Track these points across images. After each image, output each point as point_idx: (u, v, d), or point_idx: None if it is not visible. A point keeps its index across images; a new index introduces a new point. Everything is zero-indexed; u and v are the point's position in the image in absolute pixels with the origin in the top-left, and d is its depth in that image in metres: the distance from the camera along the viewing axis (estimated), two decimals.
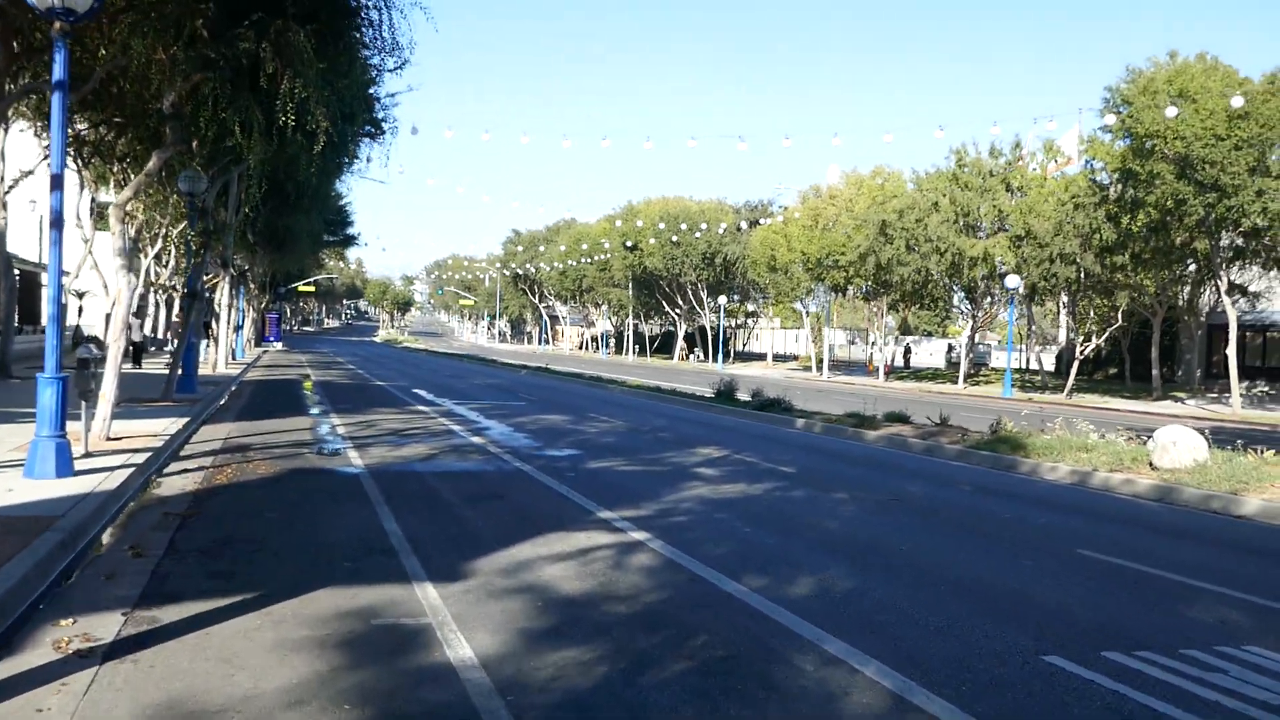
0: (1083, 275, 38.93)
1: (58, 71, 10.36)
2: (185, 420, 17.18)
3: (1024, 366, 65.12)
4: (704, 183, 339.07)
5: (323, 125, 14.52)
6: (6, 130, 26.75)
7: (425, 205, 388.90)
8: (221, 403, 23.73)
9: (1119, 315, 39.90)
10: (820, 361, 60.45)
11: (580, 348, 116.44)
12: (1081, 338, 42.11)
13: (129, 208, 35.47)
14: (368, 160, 48.16)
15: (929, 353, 77.04)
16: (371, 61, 16.23)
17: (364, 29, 15.58)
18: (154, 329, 53.19)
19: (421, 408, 24.23)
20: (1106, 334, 41.33)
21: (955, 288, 50.85)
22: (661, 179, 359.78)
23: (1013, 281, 41.07)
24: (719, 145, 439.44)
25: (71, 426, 13.25)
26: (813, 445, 18.81)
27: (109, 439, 13.66)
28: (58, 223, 10.37)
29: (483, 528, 9.38)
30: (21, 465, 10.64)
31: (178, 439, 15.32)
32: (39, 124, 26.77)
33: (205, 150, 20.98)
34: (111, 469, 11.13)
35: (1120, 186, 36.79)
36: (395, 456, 14.38)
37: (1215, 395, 40.71)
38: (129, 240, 37.96)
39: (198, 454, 14.11)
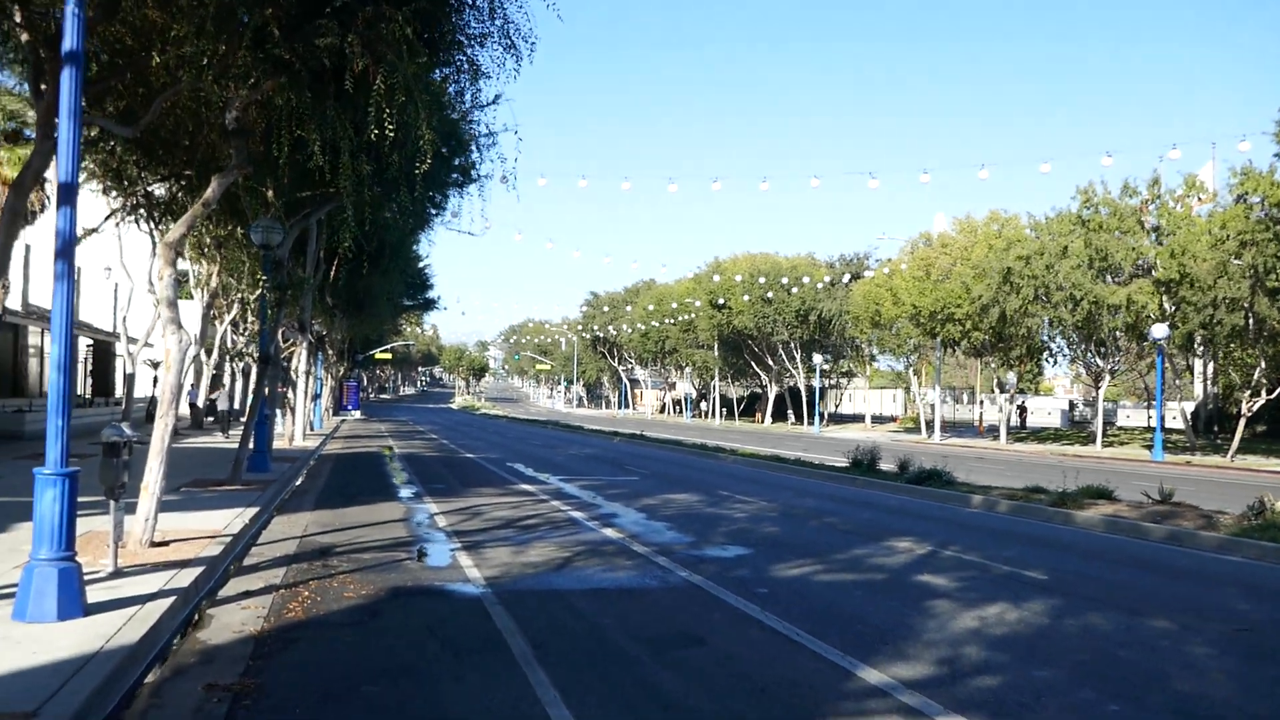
0: (1251, 322, 34.46)
1: (68, 40, 7.29)
2: (254, 511, 14.00)
3: (1148, 425, 59.93)
4: (790, 238, 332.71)
5: (427, 137, 11.39)
6: None
7: (504, 262, 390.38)
8: (298, 483, 20.64)
9: None
10: (929, 423, 56.07)
11: (661, 411, 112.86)
12: (1249, 392, 37.36)
13: (199, 257, 33.14)
14: (454, 215, 45.28)
15: (1030, 410, 71.81)
16: (479, 60, 13.03)
17: (469, 17, 12.46)
18: (230, 400, 51.01)
19: (525, 487, 20.84)
20: None
21: (1078, 340, 46.42)
22: (746, 235, 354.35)
23: (1160, 331, 36.69)
24: (804, 197, 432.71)
25: (102, 527, 10.16)
26: (1020, 533, 14.97)
27: (154, 544, 10.46)
28: (66, 251, 7.23)
29: (708, 717, 5.82)
30: (14, 597, 7.41)
31: (242, 539, 12.09)
32: (107, 179, 24.45)
33: (282, 190, 18.23)
34: (143, 600, 7.85)
35: None
36: (522, 565, 10.91)
37: None
38: (203, 303, 35.77)
39: (266, 562, 10.83)
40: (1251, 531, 13.80)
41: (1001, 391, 52.02)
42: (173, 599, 7.98)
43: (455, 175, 21.81)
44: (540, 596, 9.21)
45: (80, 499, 12.01)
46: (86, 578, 8.54)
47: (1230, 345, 39.23)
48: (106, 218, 26.18)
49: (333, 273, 32.23)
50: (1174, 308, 37.77)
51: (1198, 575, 11.46)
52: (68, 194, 7.28)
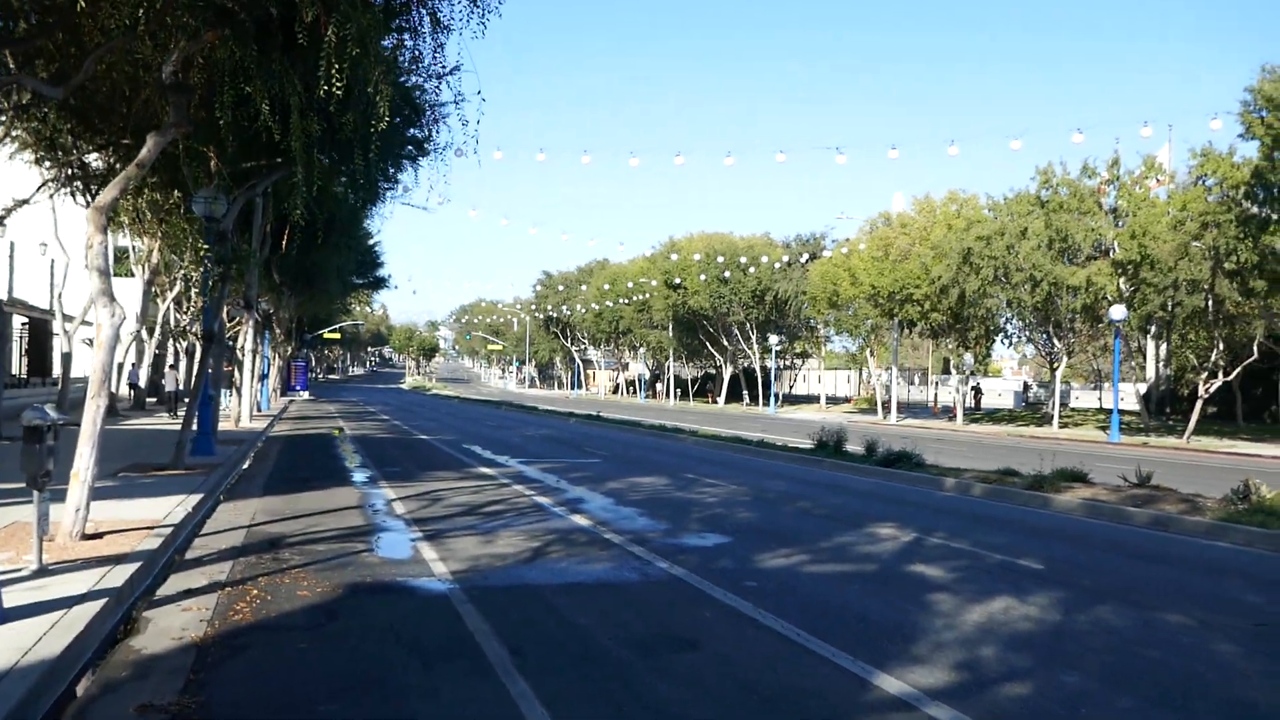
0: (1211, 304, 34.49)
1: None
2: (198, 498, 13.10)
3: (1100, 406, 60.37)
4: (747, 219, 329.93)
5: (384, 92, 10.55)
6: None
7: (455, 240, 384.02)
8: (245, 467, 19.67)
9: (1254, 348, 35.34)
10: (885, 404, 55.95)
11: (614, 392, 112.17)
12: (1205, 374, 37.42)
13: (139, 232, 31.62)
14: (406, 190, 43.99)
15: (983, 392, 71.94)
16: (440, 12, 12.17)
17: None
18: (178, 381, 49.38)
19: (485, 470, 20.04)
20: (1237, 370, 36.66)
21: (1035, 321, 46.44)
22: (705, 215, 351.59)
23: (1119, 313, 36.60)
24: (761, 178, 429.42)
25: (27, 518, 9.32)
26: (1001, 518, 14.50)
27: (85, 537, 9.57)
28: None
29: None
30: None
31: (184, 530, 11.20)
32: (40, 149, 23.15)
33: (226, 158, 17.20)
34: (70, 602, 7.01)
35: (1247, 202, 32.51)
36: (490, 557, 10.15)
37: None
38: (144, 280, 34.34)
39: (211, 556, 9.97)
40: (1239, 517, 13.41)
41: (959, 373, 51.93)
42: (104, 601, 7.14)
43: (409, 148, 20.87)
44: (512, 593, 8.48)
45: (3, 486, 11.11)
46: (7, 577, 7.71)
47: (1187, 327, 39.32)
48: (39, 188, 24.85)
49: (281, 248, 31.03)
50: (1133, 289, 37.75)
51: (1195, 564, 11.01)
52: None
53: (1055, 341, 45.35)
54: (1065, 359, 45.78)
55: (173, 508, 11.98)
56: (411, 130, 19.92)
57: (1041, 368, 76.15)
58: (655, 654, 6.63)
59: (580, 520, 12.97)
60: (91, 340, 37.79)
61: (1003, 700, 5.85)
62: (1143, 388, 49.11)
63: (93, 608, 6.93)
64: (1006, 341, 55.25)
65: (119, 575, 7.99)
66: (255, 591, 8.20)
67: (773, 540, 11.68)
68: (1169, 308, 35.87)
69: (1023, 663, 6.67)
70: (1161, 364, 51.53)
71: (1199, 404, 36.63)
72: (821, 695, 5.85)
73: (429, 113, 19.35)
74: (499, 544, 10.93)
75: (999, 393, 72.01)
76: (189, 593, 8.22)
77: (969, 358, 50.95)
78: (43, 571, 7.97)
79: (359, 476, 18.32)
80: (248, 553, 10.07)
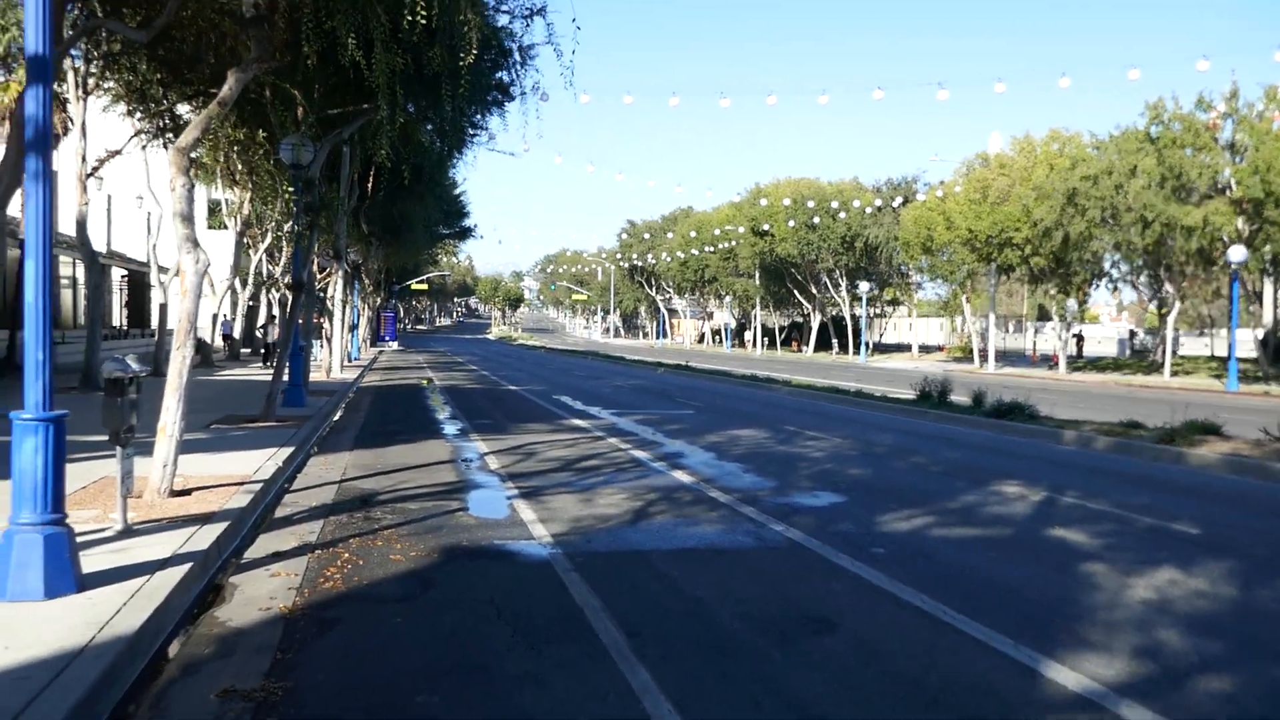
0: None
1: None
2: (288, 451, 12.74)
3: (1211, 354, 57.67)
4: (833, 163, 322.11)
5: (472, 21, 9.81)
6: (85, 103, 23.05)
7: (540, 189, 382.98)
8: (336, 418, 19.42)
9: None
10: (982, 353, 54.11)
11: (700, 341, 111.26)
12: None
13: (230, 184, 31.47)
14: (491, 137, 43.61)
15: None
16: None
17: None
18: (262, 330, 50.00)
19: (577, 422, 19.49)
20: None
21: (1145, 265, 44.15)
22: (793, 159, 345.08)
23: (1238, 254, 34.40)
24: (853, 118, 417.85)
25: (106, 471, 8.93)
26: (1135, 474, 13.40)
27: (174, 493, 9.18)
28: (39, 144, 5.76)
29: None
30: None
31: (274, 486, 10.80)
32: (131, 101, 23.10)
33: (313, 104, 16.74)
34: (153, 567, 6.54)
35: None
36: (591, 518, 9.51)
37: None
38: (236, 231, 34.40)
39: (301, 514, 9.51)
40: None
41: (1061, 320, 49.84)
42: (188, 566, 6.66)
43: (495, 93, 20.19)
44: (620, 560, 7.81)
45: (98, 439, 10.80)
46: (93, 537, 7.31)
47: None
48: (130, 139, 24.88)
49: (368, 197, 30.75)
50: (1254, 229, 35.50)
51: None
52: (39, 69, 5.78)
53: (1167, 285, 43.11)
54: (1177, 304, 43.47)
55: (263, 462, 11.61)
56: (499, 74, 19.25)
57: (1144, 314, 73.16)
58: (787, 637, 5.89)
59: (682, 477, 12.27)
60: None
61: (1204, 699, 4.99)
62: (1260, 334, 46.45)
63: (176, 574, 6.45)
64: (1111, 287, 52.95)
65: (205, 536, 7.54)
66: (346, 555, 7.68)
67: (891, 500, 10.84)
68: None
69: (1214, 650, 5.78)
70: None
71: None
72: (989, 690, 5.05)
73: (515, 55, 18.61)
74: (599, 503, 10.30)
75: (1098, 340, 69.40)
76: (277, 556, 7.74)
77: (1072, 303, 48.80)
78: (127, 532, 7.55)
79: (450, 429, 17.90)
80: (338, 511, 9.60)
